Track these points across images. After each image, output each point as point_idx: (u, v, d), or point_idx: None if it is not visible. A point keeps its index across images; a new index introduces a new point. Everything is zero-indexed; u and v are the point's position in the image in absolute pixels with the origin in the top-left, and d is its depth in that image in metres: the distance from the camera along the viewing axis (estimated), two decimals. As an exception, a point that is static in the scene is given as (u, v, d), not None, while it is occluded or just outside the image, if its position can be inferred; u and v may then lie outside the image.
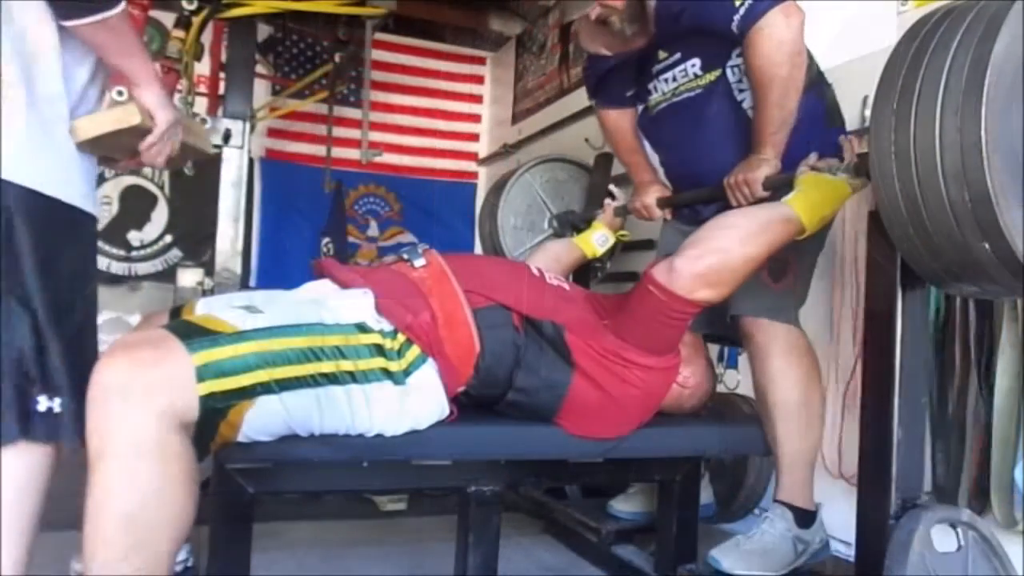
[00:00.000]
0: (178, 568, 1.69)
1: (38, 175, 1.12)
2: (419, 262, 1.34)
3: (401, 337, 1.22)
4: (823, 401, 1.70)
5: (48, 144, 1.14)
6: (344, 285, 1.30)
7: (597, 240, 2.05)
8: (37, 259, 1.10)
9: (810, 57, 1.63)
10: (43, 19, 1.12)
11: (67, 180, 1.16)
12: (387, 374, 1.18)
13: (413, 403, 1.22)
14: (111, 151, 1.33)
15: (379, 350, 1.18)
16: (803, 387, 1.63)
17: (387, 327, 1.22)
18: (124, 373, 0.96)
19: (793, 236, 1.36)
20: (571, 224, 2.47)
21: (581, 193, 2.71)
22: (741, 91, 1.67)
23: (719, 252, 1.30)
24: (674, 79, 1.77)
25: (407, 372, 1.20)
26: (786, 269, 1.63)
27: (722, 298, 1.35)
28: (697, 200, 1.81)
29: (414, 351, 1.23)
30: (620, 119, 2.01)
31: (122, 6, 1.14)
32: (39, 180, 1.12)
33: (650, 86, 1.85)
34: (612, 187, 2.70)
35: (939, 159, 0.97)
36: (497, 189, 2.70)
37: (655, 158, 2.02)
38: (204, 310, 1.17)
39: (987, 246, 0.96)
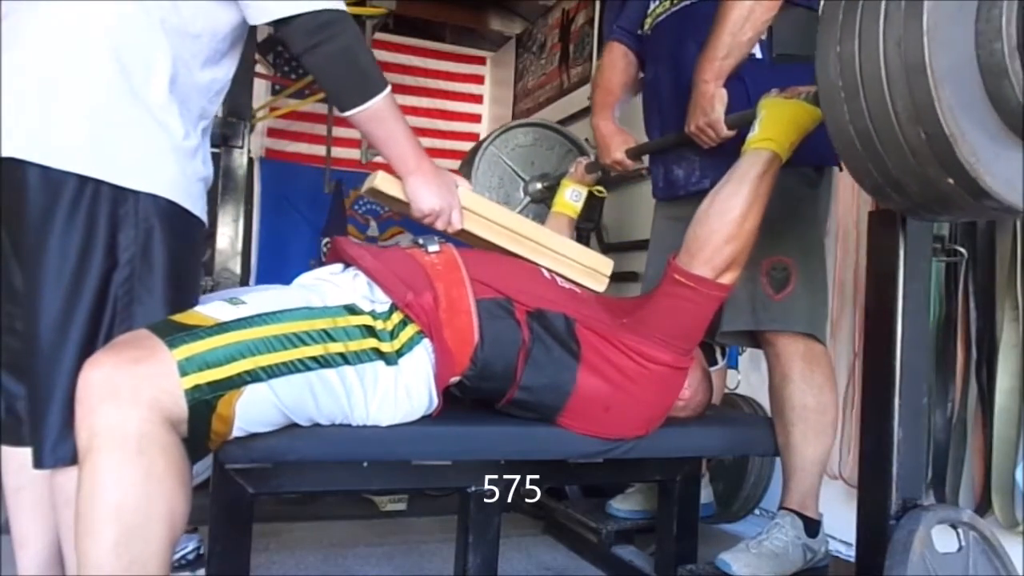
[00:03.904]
0: (191, 556, 1.72)
1: (179, 187, 1.16)
2: (433, 248, 1.35)
3: (396, 317, 1.21)
4: (837, 411, 1.69)
5: (188, 158, 1.18)
6: (352, 259, 1.30)
7: (570, 197, 2.02)
8: (169, 271, 1.14)
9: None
10: (201, 58, 1.20)
11: (199, 194, 1.21)
12: (379, 354, 1.18)
13: (407, 385, 1.21)
14: (391, 205, 1.53)
15: (370, 331, 1.17)
16: (819, 393, 1.61)
17: (379, 308, 1.21)
18: (109, 372, 0.96)
19: (777, 171, 1.34)
20: (547, 190, 2.42)
21: (549, 153, 2.66)
22: None
23: (729, 242, 1.30)
24: None
25: (400, 353, 1.20)
26: (787, 280, 1.62)
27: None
28: (663, 146, 1.79)
29: (408, 332, 1.21)
30: (623, 59, 1.95)
31: (385, 92, 1.27)
32: (181, 193, 1.16)
33: None
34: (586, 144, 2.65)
35: (888, 95, 0.95)
36: (466, 168, 2.65)
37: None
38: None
39: (951, 181, 0.95)
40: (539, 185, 2.51)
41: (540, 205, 2.52)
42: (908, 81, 0.91)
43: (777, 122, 1.34)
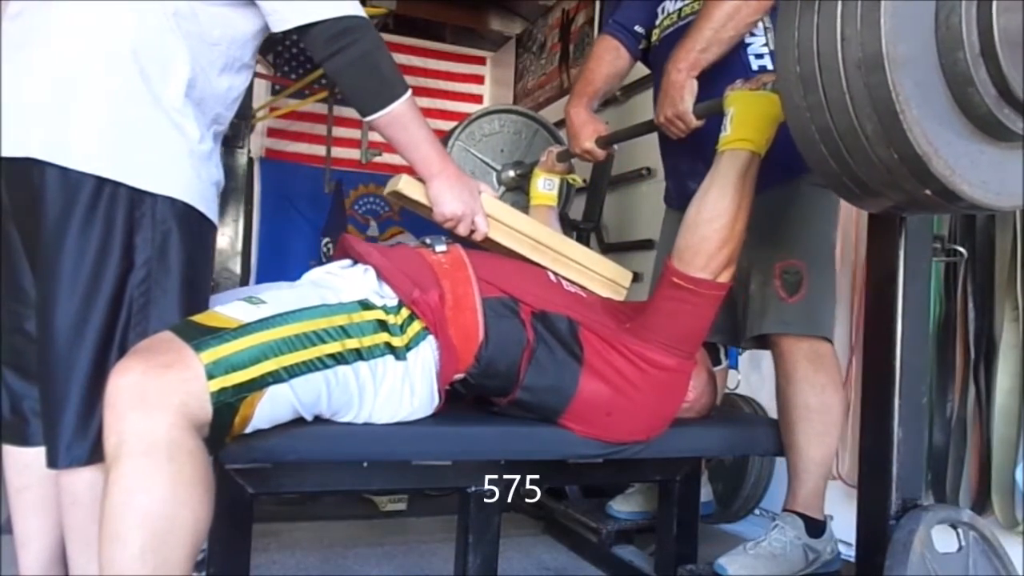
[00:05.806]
0: None
1: (195, 191, 1.16)
2: (440, 247, 1.36)
3: (404, 312, 1.22)
4: (843, 412, 1.68)
5: (203, 161, 1.19)
6: (360, 257, 1.31)
7: (543, 187, 1.99)
8: (184, 274, 1.14)
9: None
10: (219, 65, 1.20)
11: (212, 198, 1.22)
12: (390, 349, 1.19)
13: (411, 382, 1.22)
14: (413, 208, 1.54)
15: (383, 325, 1.19)
16: (821, 393, 1.60)
17: (390, 303, 1.23)
18: (138, 378, 0.96)
19: (757, 168, 1.34)
20: (521, 177, 2.38)
21: (516, 138, 2.62)
22: (754, 54, 1.64)
23: (723, 247, 1.30)
24: None
25: (408, 347, 1.21)
26: (800, 283, 1.61)
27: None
28: (633, 135, 1.80)
29: (415, 327, 1.22)
30: (611, 53, 1.93)
31: (406, 96, 1.30)
32: (196, 196, 1.16)
33: (659, 8, 1.82)
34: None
35: (857, 122, 0.93)
36: None
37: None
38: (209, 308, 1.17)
39: (928, 192, 0.95)
40: (512, 173, 2.48)
41: (517, 193, 2.48)
42: (875, 108, 0.90)
43: (748, 119, 1.34)
